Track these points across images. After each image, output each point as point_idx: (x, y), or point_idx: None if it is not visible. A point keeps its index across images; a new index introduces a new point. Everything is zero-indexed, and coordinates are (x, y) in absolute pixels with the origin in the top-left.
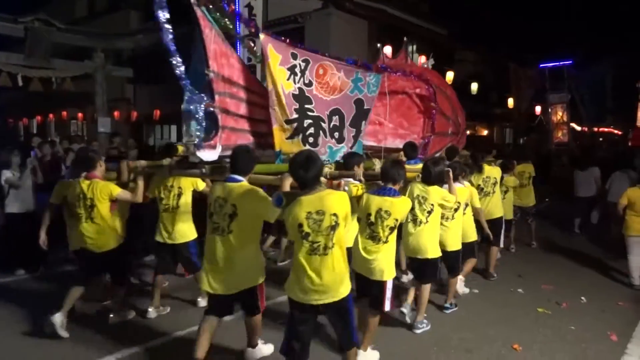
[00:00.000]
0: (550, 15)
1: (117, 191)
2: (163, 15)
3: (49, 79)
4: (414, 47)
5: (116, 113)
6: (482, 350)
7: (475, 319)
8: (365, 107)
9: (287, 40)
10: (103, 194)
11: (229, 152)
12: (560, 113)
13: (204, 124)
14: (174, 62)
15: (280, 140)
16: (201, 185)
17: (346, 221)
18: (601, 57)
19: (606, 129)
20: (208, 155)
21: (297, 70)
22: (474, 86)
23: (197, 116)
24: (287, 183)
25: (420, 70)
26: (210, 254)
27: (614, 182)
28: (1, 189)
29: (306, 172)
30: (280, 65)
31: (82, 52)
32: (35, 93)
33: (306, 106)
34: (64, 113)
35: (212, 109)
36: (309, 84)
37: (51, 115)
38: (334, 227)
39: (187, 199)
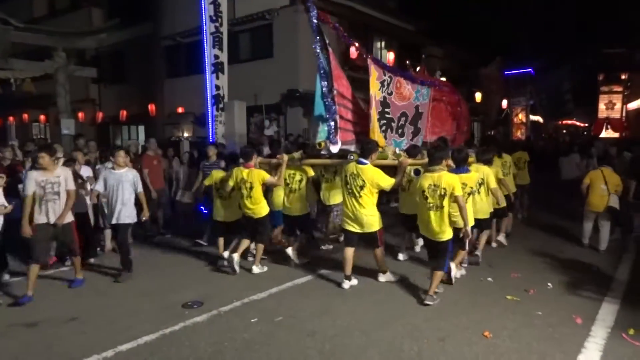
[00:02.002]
0: (511, 17)
1: (267, 177)
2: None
3: (7, 80)
4: (382, 43)
5: (80, 114)
6: (454, 338)
7: (447, 308)
8: (420, 111)
9: (381, 62)
10: (259, 178)
11: (344, 146)
12: (520, 115)
13: (331, 126)
14: (324, 85)
15: (376, 135)
16: (266, 177)
17: (452, 192)
18: (560, 64)
19: (569, 122)
20: (334, 148)
21: (385, 83)
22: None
23: (327, 122)
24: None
25: (440, 82)
26: (348, 208)
27: (563, 165)
28: None
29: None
30: (377, 80)
31: (43, 51)
32: None
33: (385, 110)
34: (25, 115)
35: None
36: (390, 94)
37: (11, 118)
38: (442, 196)
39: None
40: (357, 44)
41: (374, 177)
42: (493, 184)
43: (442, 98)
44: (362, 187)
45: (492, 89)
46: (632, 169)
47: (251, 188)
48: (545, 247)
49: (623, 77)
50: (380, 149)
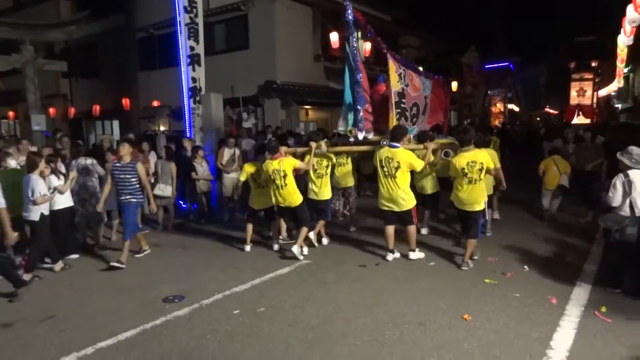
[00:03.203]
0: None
1: (298, 163)
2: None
3: None
4: (359, 33)
5: (52, 110)
6: (434, 322)
7: (427, 293)
8: (427, 102)
9: (397, 56)
10: (290, 166)
11: (368, 135)
12: (498, 105)
13: (359, 115)
14: (359, 77)
15: (393, 122)
16: (297, 163)
17: (487, 167)
18: (536, 58)
19: (543, 110)
20: (360, 135)
21: (402, 76)
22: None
23: (355, 111)
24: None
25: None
26: (385, 190)
27: (546, 149)
28: None
29: (465, 136)
30: (395, 72)
31: (9, 45)
32: None
33: (402, 100)
34: None
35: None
36: (407, 85)
37: None
38: (480, 170)
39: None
40: (380, 40)
41: (408, 158)
42: (493, 165)
43: (436, 90)
44: (397, 168)
45: (475, 79)
46: (605, 151)
47: (285, 176)
48: (520, 230)
49: (593, 64)
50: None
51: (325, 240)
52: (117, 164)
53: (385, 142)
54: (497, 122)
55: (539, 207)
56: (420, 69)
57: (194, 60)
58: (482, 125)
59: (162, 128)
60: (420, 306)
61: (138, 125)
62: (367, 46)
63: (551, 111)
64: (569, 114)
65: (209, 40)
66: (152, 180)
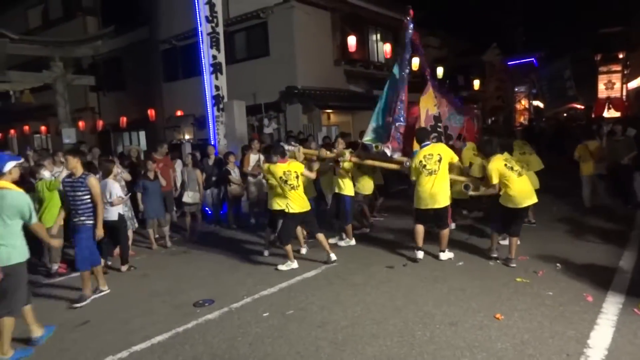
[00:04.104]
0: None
1: (303, 169)
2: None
3: (6, 92)
4: (378, 35)
5: (81, 123)
6: (466, 322)
7: (457, 293)
8: (448, 132)
9: (433, 82)
10: (300, 169)
11: (393, 153)
12: (523, 102)
13: (391, 133)
14: (403, 96)
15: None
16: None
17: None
18: (561, 54)
19: (569, 106)
20: (388, 151)
21: (437, 100)
22: (440, 70)
23: (384, 127)
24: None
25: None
26: (425, 189)
27: None
28: None
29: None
30: (433, 97)
31: (40, 62)
32: None
33: (438, 124)
34: (26, 127)
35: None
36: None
37: (13, 131)
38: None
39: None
40: (428, 69)
41: (446, 149)
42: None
43: (468, 124)
44: (440, 160)
45: (500, 77)
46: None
47: (297, 177)
48: (550, 228)
49: (621, 56)
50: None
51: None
52: (67, 179)
53: (408, 164)
54: (522, 119)
55: (569, 204)
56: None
57: (216, 68)
58: (507, 123)
59: (187, 137)
60: (450, 306)
61: (164, 134)
62: (387, 48)
63: (578, 106)
64: (599, 107)
65: (230, 49)
66: (179, 188)
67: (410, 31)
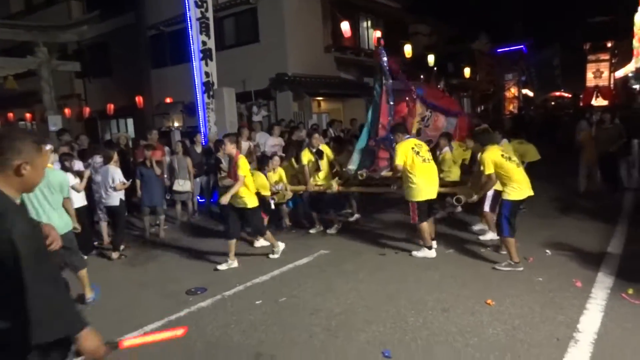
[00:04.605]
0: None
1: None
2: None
3: None
4: (369, 22)
5: (67, 110)
6: (457, 308)
7: (448, 280)
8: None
9: (425, 99)
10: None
11: (380, 172)
12: (512, 90)
13: (372, 156)
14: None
15: None
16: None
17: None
18: (550, 42)
19: (557, 94)
20: (376, 175)
21: (426, 118)
22: (431, 58)
23: (367, 152)
24: None
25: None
26: (426, 176)
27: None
28: None
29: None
30: (419, 115)
31: (24, 48)
32: None
33: (417, 137)
34: (10, 114)
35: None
36: (427, 126)
37: None
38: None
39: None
40: (413, 89)
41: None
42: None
43: (461, 121)
44: (429, 151)
45: (490, 64)
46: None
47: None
48: (539, 215)
49: (609, 45)
50: None
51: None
52: None
53: (395, 187)
54: (511, 107)
55: (558, 191)
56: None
57: (206, 55)
58: (496, 112)
59: (176, 124)
60: (442, 293)
61: (152, 122)
62: (378, 35)
63: (565, 94)
64: (587, 96)
65: (219, 35)
66: (167, 176)
67: (384, 58)
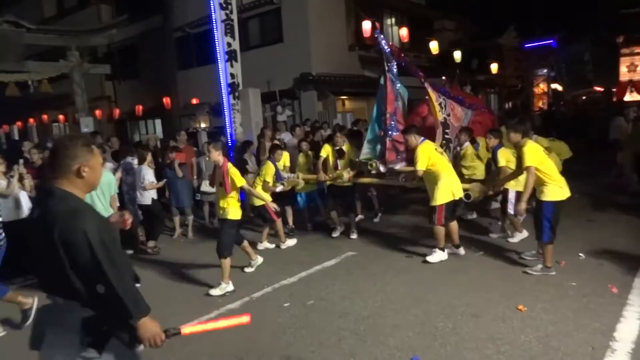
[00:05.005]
0: None
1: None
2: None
3: (25, 83)
4: (393, 19)
5: (98, 112)
6: (487, 313)
7: (477, 284)
8: None
9: (437, 85)
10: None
11: (390, 165)
12: (542, 86)
13: (383, 146)
14: (397, 104)
15: None
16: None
17: None
18: (580, 35)
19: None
20: (383, 168)
21: (442, 105)
22: (457, 54)
23: (378, 143)
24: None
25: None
26: (452, 174)
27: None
28: None
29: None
30: (435, 102)
31: (56, 52)
32: (13, 98)
33: (445, 131)
34: (45, 116)
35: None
36: (448, 115)
37: (32, 120)
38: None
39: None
40: (421, 73)
41: None
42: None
43: (482, 116)
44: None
45: (517, 59)
46: None
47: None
48: (573, 215)
49: None
50: None
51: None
52: None
53: (403, 179)
54: (540, 104)
55: (591, 190)
56: (461, 98)
57: (231, 56)
58: (525, 108)
59: (202, 125)
60: (471, 297)
61: (180, 123)
62: (403, 32)
63: (597, 89)
64: (620, 90)
65: (244, 35)
66: (195, 177)
67: (383, 42)
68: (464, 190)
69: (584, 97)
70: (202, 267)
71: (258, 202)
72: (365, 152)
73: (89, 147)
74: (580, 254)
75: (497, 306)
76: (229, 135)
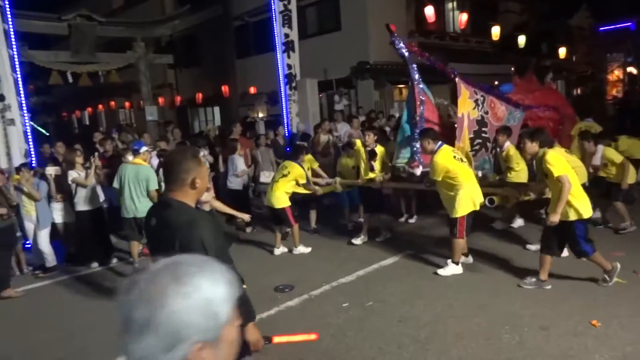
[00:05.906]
0: None
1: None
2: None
3: (95, 72)
4: (454, 3)
5: (161, 99)
6: (558, 327)
7: (545, 293)
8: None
9: (470, 80)
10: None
11: (425, 169)
12: (616, 72)
13: (416, 150)
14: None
15: (467, 149)
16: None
17: None
18: None
19: None
20: (417, 171)
21: (479, 102)
22: (522, 39)
23: (410, 146)
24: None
25: (543, 90)
26: (473, 181)
27: None
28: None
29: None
30: (469, 98)
31: (124, 43)
32: (84, 87)
33: (482, 129)
34: (112, 103)
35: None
36: (486, 113)
37: (100, 106)
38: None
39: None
40: (446, 67)
41: None
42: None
43: (538, 117)
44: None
45: (589, 42)
46: None
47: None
48: None
49: None
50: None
51: None
52: None
53: (428, 184)
54: (614, 92)
55: None
56: (509, 97)
57: (288, 47)
58: (597, 96)
59: (260, 115)
60: (538, 307)
61: (237, 112)
62: (464, 18)
63: None
64: None
65: (301, 24)
66: (253, 169)
67: (401, 45)
68: (489, 195)
69: None
70: (261, 261)
71: (278, 205)
72: (401, 156)
73: (197, 158)
74: None
75: (568, 320)
76: (285, 126)
